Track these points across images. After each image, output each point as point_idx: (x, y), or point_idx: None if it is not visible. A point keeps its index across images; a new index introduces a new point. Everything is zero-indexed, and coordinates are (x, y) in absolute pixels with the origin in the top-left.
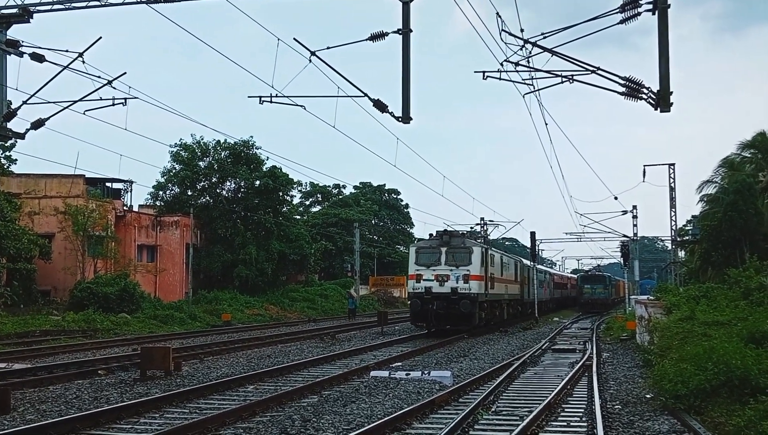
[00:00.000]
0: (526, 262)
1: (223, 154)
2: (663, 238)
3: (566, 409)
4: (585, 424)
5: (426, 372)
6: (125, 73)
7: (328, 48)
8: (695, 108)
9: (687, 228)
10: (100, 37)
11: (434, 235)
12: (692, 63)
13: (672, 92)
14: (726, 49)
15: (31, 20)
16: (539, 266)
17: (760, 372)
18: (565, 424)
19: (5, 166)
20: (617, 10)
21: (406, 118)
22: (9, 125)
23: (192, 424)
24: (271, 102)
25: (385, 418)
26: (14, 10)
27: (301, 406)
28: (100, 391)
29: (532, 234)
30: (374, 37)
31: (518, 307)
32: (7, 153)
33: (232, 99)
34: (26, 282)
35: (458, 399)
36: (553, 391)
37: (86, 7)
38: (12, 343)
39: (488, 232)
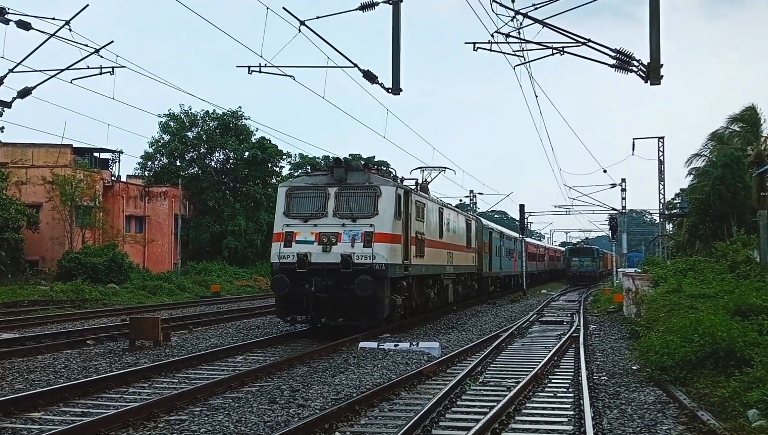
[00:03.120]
0: (490, 223)
1: (211, 124)
2: (651, 212)
3: (553, 380)
4: (571, 394)
5: (414, 343)
6: (112, 41)
7: (317, 18)
8: (686, 80)
9: (675, 201)
10: (87, 5)
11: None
12: (686, 34)
13: (662, 65)
14: (721, 19)
15: None
16: (505, 230)
17: (745, 344)
18: (551, 394)
19: None
20: None
21: (395, 89)
22: None
23: (181, 394)
24: (260, 72)
25: (374, 389)
26: None
27: (290, 377)
28: (89, 360)
29: (521, 206)
30: (364, 7)
31: (473, 283)
32: None
33: (220, 69)
34: (14, 252)
35: (446, 370)
36: (540, 362)
37: None
38: (0, 313)
39: (476, 205)
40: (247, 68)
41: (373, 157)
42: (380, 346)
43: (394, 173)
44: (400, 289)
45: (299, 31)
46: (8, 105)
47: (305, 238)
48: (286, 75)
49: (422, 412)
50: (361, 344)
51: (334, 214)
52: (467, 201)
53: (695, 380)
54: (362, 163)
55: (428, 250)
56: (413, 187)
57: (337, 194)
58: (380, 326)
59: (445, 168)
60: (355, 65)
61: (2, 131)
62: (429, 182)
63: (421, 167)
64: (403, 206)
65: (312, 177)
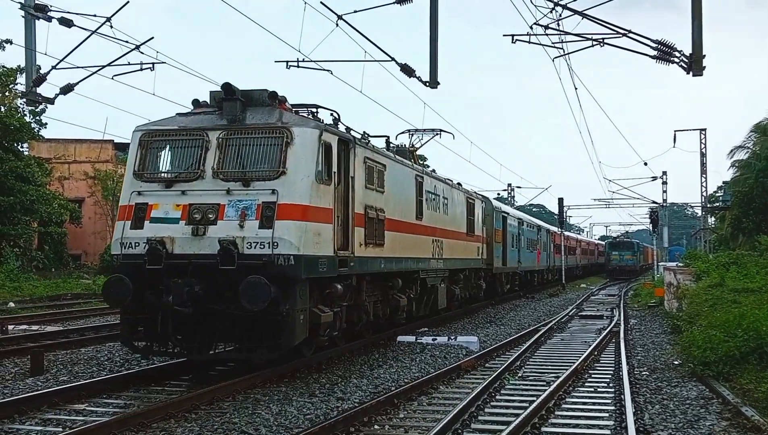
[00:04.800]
0: (504, 207)
1: None
2: (693, 205)
3: (593, 375)
4: (612, 389)
5: (452, 337)
6: (153, 38)
7: (355, 12)
8: (729, 70)
9: (717, 194)
10: (128, 2)
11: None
12: (728, 23)
13: (705, 55)
14: (763, 8)
15: None
16: (525, 216)
17: None
18: (592, 389)
19: (35, 131)
20: None
21: (433, 82)
22: (39, 90)
23: (222, 387)
24: (298, 67)
25: (412, 382)
26: None
27: (329, 370)
28: (131, 353)
29: (560, 200)
30: (401, 0)
31: (479, 282)
32: (37, 117)
33: (258, 64)
34: (57, 246)
35: (485, 364)
36: (580, 357)
37: None
38: (44, 306)
39: (514, 198)
40: (285, 63)
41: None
42: (418, 341)
43: (336, 117)
44: (332, 296)
45: (337, 25)
46: (51, 101)
47: (165, 213)
48: (324, 69)
49: (461, 406)
50: (399, 338)
51: (215, 175)
52: (505, 194)
53: (739, 376)
54: (270, 91)
55: (393, 235)
56: (363, 139)
57: (223, 142)
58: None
59: (441, 130)
60: (393, 59)
61: (45, 127)
62: (417, 148)
63: (409, 130)
64: (336, 163)
65: (188, 116)
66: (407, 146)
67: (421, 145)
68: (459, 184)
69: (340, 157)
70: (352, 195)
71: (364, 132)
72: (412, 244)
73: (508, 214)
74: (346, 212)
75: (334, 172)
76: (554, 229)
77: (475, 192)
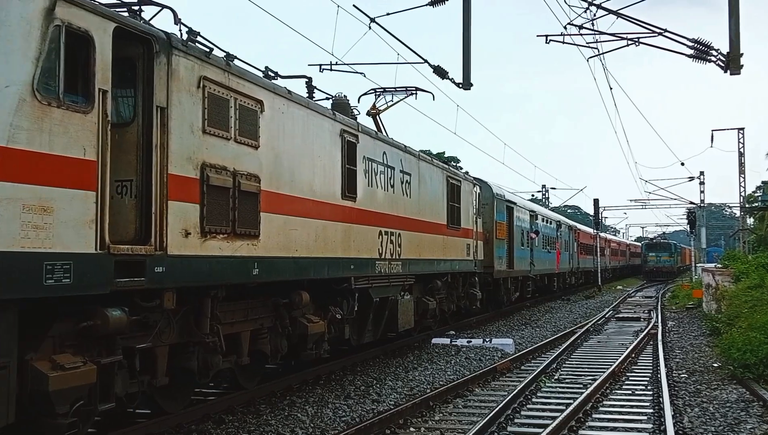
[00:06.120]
0: (508, 195)
1: None
2: (731, 205)
3: (631, 378)
4: (650, 392)
5: (487, 340)
6: None
7: (387, 14)
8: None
9: (756, 194)
10: (161, 8)
11: None
12: (766, 18)
13: (742, 54)
14: None
15: None
16: (539, 209)
17: None
18: (629, 392)
19: None
20: None
21: (466, 84)
22: None
23: (259, 389)
24: (331, 70)
25: (448, 385)
26: None
27: (364, 372)
28: None
29: (595, 201)
30: (434, 2)
31: (472, 290)
32: None
33: (292, 67)
34: None
35: (520, 367)
36: (617, 359)
37: None
38: None
39: (548, 199)
40: (318, 66)
41: (443, 152)
42: (453, 343)
43: (175, 15)
44: (97, 332)
45: (369, 28)
46: None
47: None
48: (357, 72)
49: (497, 408)
50: (434, 340)
51: None
52: (539, 195)
53: None
54: None
55: (284, 220)
56: (193, 42)
57: None
58: None
59: (417, 89)
60: (426, 61)
61: None
62: (381, 111)
63: (375, 89)
64: (109, 74)
65: None
66: (371, 108)
67: (388, 107)
68: (446, 161)
69: (134, 67)
70: (162, 141)
71: (229, 54)
72: (337, 236)
73: (515, 204)
74: (147, 172)
75: (102, 91)
76: (577, 225)
77: (467, 172)
